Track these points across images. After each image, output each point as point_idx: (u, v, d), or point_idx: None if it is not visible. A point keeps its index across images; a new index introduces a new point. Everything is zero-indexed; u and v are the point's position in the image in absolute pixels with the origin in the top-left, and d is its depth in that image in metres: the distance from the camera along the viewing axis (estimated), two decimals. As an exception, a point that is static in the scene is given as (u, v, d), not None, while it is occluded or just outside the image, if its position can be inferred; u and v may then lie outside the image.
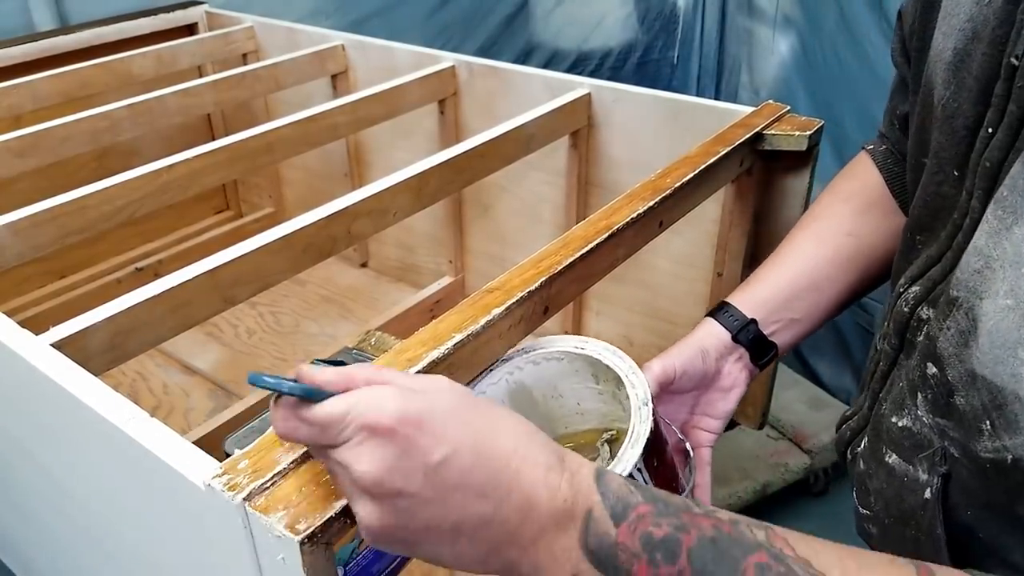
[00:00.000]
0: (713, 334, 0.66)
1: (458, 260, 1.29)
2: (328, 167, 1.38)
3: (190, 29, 1.44)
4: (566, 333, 1.21)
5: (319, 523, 0.40)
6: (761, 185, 0.91)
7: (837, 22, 1.86)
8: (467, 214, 1.26)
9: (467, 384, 0.57)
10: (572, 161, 1.08)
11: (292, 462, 0.44)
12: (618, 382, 0.61)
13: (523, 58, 1.98)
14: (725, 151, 0.80)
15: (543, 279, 0.60)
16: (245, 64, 1.33)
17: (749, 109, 0.90)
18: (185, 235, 1.47)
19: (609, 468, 0.46)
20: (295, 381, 0.40)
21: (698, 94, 2.24)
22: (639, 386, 0.59)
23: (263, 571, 0.44)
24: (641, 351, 1.15)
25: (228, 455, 0.48)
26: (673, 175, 0.74)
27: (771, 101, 0.91)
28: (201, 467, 0.45)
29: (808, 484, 1.97)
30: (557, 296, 0.63)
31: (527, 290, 0.59)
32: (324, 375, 0.40)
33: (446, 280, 1.29)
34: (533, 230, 1.18)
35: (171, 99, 1.07)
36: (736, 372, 0.66)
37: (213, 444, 0.69)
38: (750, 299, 0.67)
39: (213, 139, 1.07)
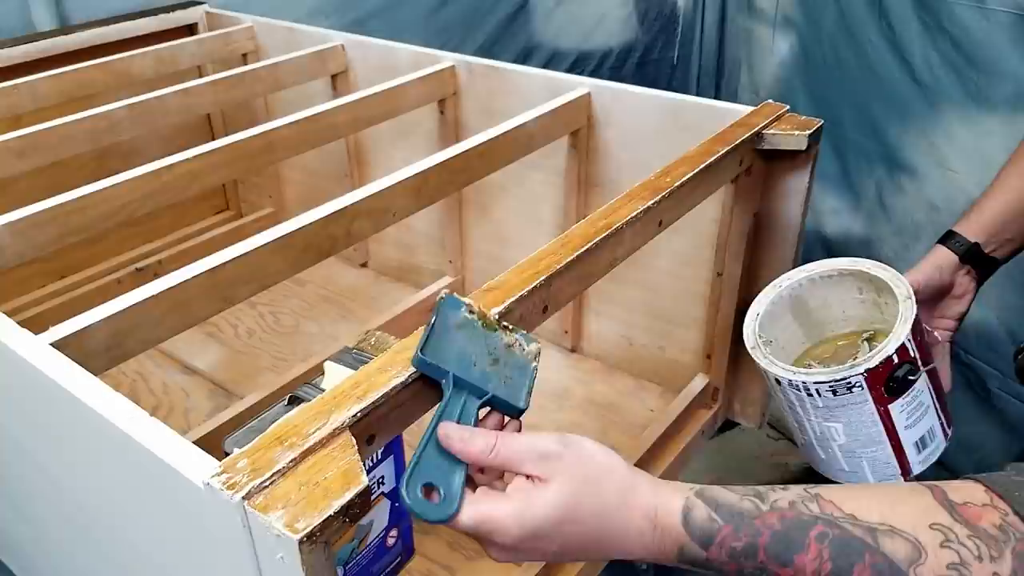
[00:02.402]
0: (944, 256, 0.83)
1: (458, 260, 1.29)
2: (328, 167, 1.38)
3: (190, 29, 1.44)
4: (565, 333, 1.22)
5: (318, 522, 0.40)
6: (761, 185, 0.91)
7: (837, 22, 1.86)
8: (467, 214, 1.26)
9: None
10: (572, 161, 1.08)
11: (291, 461, 0.44)
12: (879, 292, 0.81)
13: (523, 58, 1.98)
14: (725, 151, 0.80)
15: (542, 278, 0.60)
16: (245, 64, 1.33)
17: (749, 109, 0.90)
18: (185, 235, 1.47)
19: (886, 342, 0.74)
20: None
21: (698, 94, 2.24)
22: (903, 286, 0.78)
23: (262, 570, 0.44)
24: (641, 351, 1.16)
25: (228, 455, 0.48)
26: (673, 175, 0.75)
27: (771, 101, 0.91)
28: (200, 466, 0.45)
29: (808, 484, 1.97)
30: (556, 295, 0.63)
31: (526, 289, 0.59)
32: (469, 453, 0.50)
33: (446, 280, 1.30)
34: (533, 230, 1.18)
35: (171, 99, 1.07)
36: (966, 283, 0.84)
37: (213, 444, 0.69)
38: (972, 225, 0.84)
39: (213, 139, 1.07)
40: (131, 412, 0.50)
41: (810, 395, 0.77)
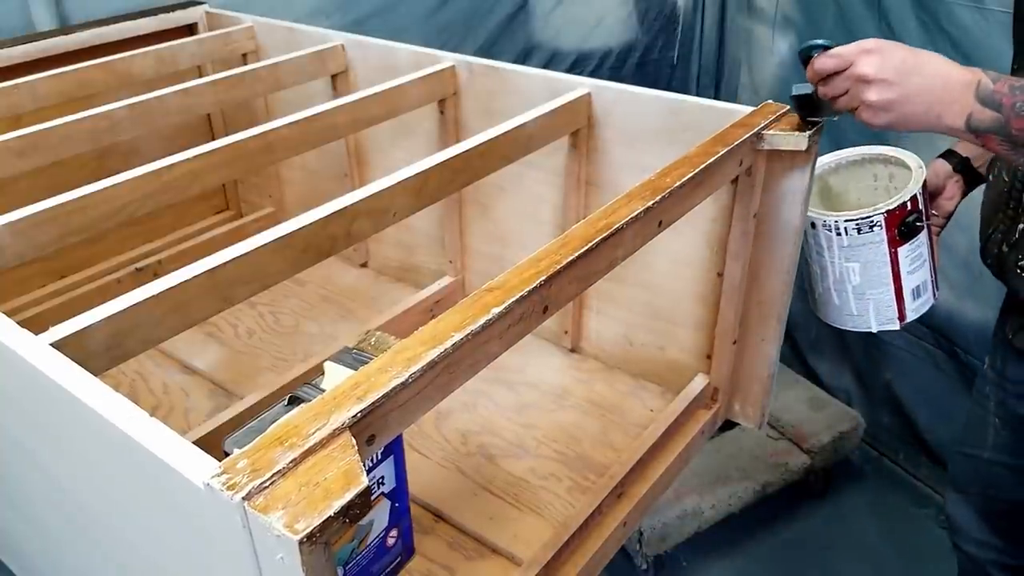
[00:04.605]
0: (941, 165, 1.08)
1: (458, 260, 1.29)
2: (328, 167, 1.38)
3: (190, 29, 1.44)
4: (565, 333, 1.22)
5: (318, 523, 0.40)
6: (761, 185, 0.91)
7: (836, 22, 1.86)
8: (467, 214, 1.26)
9: None
10: (572, 161, 1.08)
11: (291, 461, 0.44)
12: (891, 178, 1.03)
13: (523, 58, 1.98)
14: (725, 151, 0.80)
15: (542, 278, 0.60)
16: (245, 64, 1.33)
17: (749, 109, 0.90)
18: (185, 235, 1.47)
19: (903, 192, 0.94)
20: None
21: (698, 94, 2.24)
22: (915, 160, 0.99)
23: (262, 570, 0.44)
24: (641, 351, 1.16)
25: (227, 455, 0.48)
26: (672, 175, 0.75)
27: (771, 101, 0.91)
28: (200, 467, 0.45)
29: (808, 484, 1.97)
30: (556, 295, 0.63)
31: (526, 289, 0.59)
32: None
33: (446, 280, 1.30)
34: (533, 230, 1.18)
35: (171, 99, 1.07)
36: (955, 188, 1.07)
37: (213, 444, 0.69)
38: (967, 146, 1.06)
39: (213, 139, 1.07)
40: (131, 412, 0.50)
41: (838, 234, 0.94)
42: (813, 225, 0.96)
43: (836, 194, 1.07)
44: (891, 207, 0.92)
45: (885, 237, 0.93)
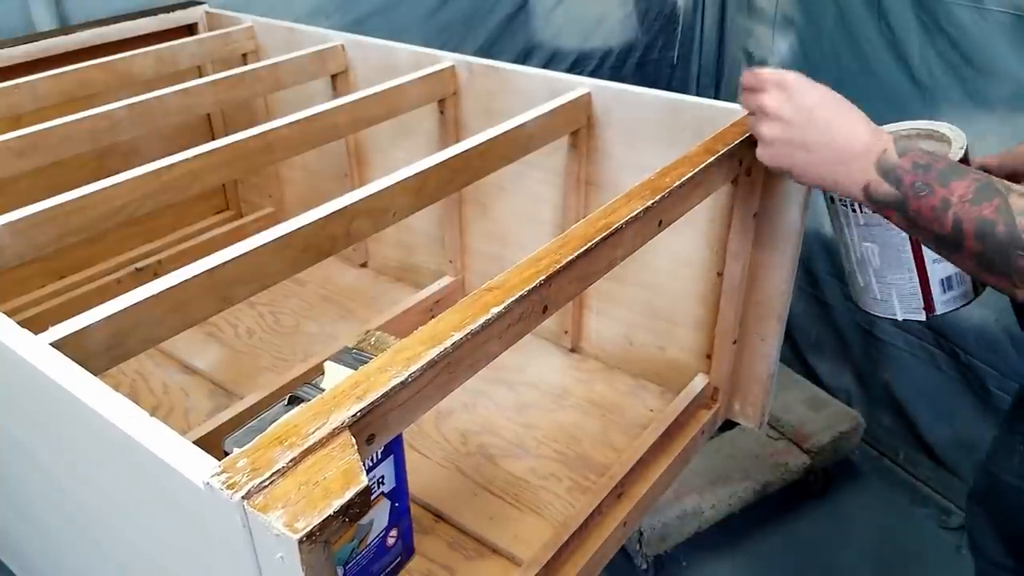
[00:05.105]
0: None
1: (458, 260, 1.29)
2: (328, 167, 1.38)
3: (190, 29, 1.44)
4: (565, 333, 1.22)
5: (318, 522, 0.40)
6: (761, 185, 0.91)
7: (836, 22, 1.86)
8: (467, 214, 1.26)
9: None
10: (572, 161, 1.08)
11: (291, 460, 0.44)
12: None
13: (523, 58, 1.98)
14: (725, 150, 0.80)
15: (542, 278, 0.60)
16: (245, 64, 1.33)
17: (748, 109, 0.90)
18: (185, 235, 1.47)
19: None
20: None
21: (698, 94, 2.23)
22: (960, 139, 0.88)
23: (262, 570, 0.44)
24: (641, 351, 1.16)
25: (227, 455, 0.48)
26: (672, 174, 0.75)
27: (770, 101, 0.91)
28: (200, 466, 0.45)
29: (808, 484, 1.97)
30: (556, 295, 0.63)
31: (526, 289, 0.59)
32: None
33: (446, 280, 1.30)
34: (533, 230, 1.18)
35: (171, 99, 1.07)
36: None
37: (213, 444, 0.69)
38: None
39: (213, 139, 1.07)
40: (131, 412, 0.50)
41: (854, 211, 0.88)
42: (832, 200, 0.91)
43: None
44: None
45: None
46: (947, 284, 0.90)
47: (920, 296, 0.90)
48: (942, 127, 0.94)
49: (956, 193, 0.67)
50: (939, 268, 0.88)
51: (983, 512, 1.22)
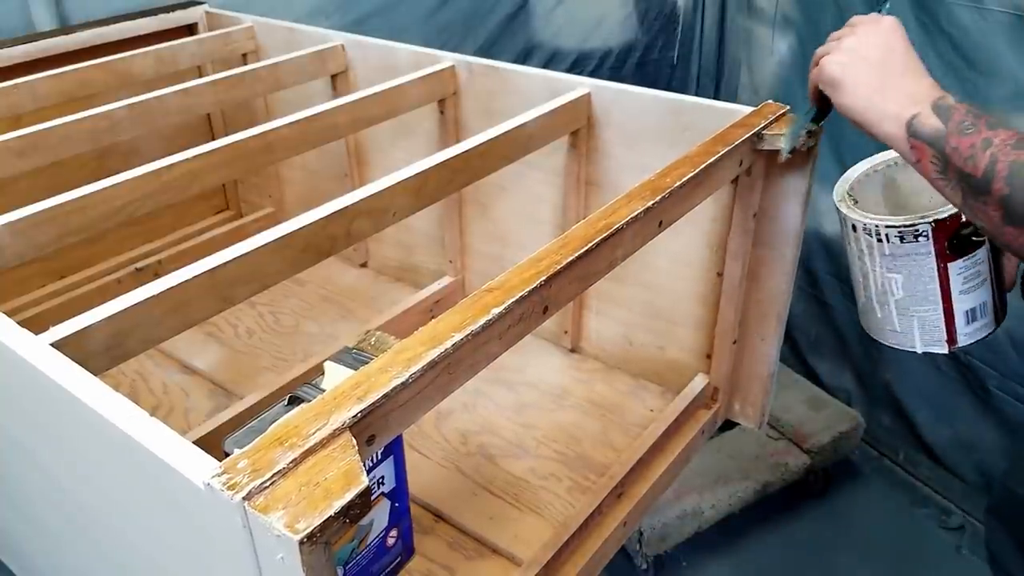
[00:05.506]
0: None
1: (458, 260, 1.29)
2: (328, 167, 1.38)
3: (190, 29, 1.44)
4: (565, 333, 1.22)
5: (318, 522, 0.40)
6: (761, 185, 0.91)
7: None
8: (467, 214, 1.26)
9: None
10: (572, 161, 1.08)
11: (291, 461, 0.44)
12: None
13: (523, 58, 1.98)
14: (725, 151, 0.80)
15: (542, 279, 0.60)
16: (245, 64, 1.33)
17: (749, 109, 0.90)
18: (185, 235, 1.47)
19: None
20: None
21: (698, 94, 2.23)
22: None
23: (262, 570, 0.44)
24: (641, 351, 1.16)
25: (228, 455, 0.48)
26: (672, 175, 0.75)
27: (771, 101, 0.91)
28: (200, 467, 0.45)
29: (808, 484, 1.97)
30: (556, 295, 0.63)
31: (526, 289, 0.59)
32: None
33: (446, 280, 1.30)
34: (533, 230, 1.18)
35: (171, 99, 1.07)
36: None
37: (213, 444, 0.69)
38: None
39: (213, 139, 1.07)
40: (131, 412, 0.50)
41: (879, 240, 0.84)
42: (854, 228, 0.87)
43: (906, 193, 0.94)
44: (940, 216, 0.81)
45: (933, 250, 0.83)
46: (972, 315, 0.86)
47: (943, 328, 0.86)
48: None
49: (999, 137, 0.67)
50: (965, 299, 0.85)
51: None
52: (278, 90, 1.21)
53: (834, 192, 0.91)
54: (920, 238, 0.82)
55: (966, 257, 0.83)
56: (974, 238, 0.82)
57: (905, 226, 0.83)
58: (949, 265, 0.83)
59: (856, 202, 0.90)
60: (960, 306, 0.85)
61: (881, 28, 0.76)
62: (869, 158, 0.94)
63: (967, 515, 1.92)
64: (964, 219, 0.80)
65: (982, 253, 0.84)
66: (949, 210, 0.81)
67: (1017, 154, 0.66)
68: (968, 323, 0.86)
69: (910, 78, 0.74)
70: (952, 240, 0.82)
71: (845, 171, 0.95)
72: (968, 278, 0.84)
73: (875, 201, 0.92)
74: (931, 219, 0.81)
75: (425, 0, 1.79)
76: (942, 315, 0.85)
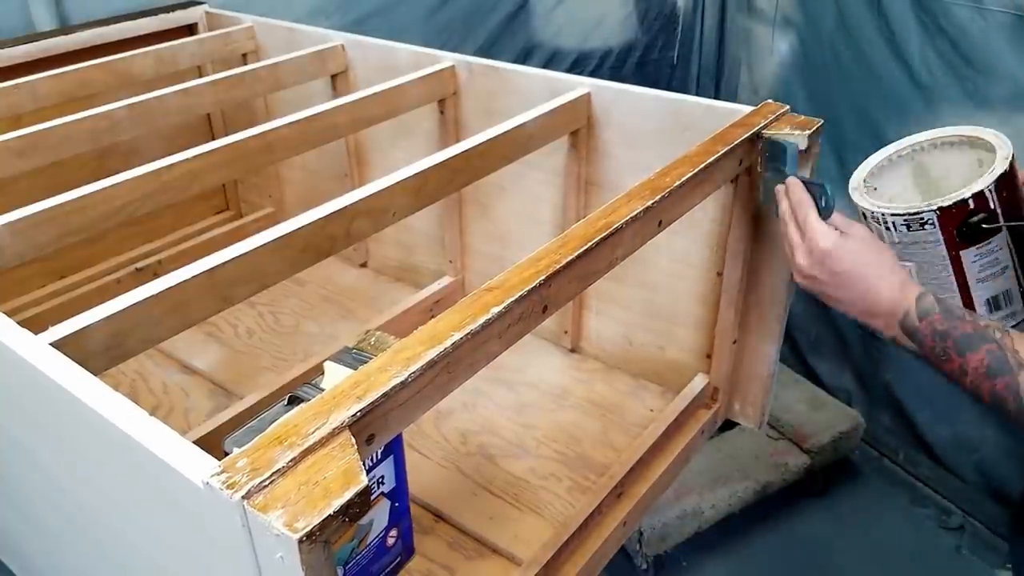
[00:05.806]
0: None
1: (458, 260, 1.29)
2: (328, 167, 1.38)
3: (190, 29, 1.44)
4: (565, 333, 1.22)
5: (318, 521, 0.40)
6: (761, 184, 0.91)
7: (836, 22, 1.86)
8: (467, 214, 1.26)
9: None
10: (571, 161, 1.08)
11: (290, 460, 0.44)
12: (980, 160, 0.87)
13: (523, 58, 1.98)
14: (724, 150, 0.80)
15: (542, 278, 0.60)
16: (245, 64, 1.33)
17: (748, 109, 0.90)
18: (185, 235, 1.47)
19: (967, 187, 0.80)
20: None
21: (698, 94, 2.24)
22: (1005, 147, 0.83)
23: (262, 569, 0.44)
24: (641, 351, 1.16)
25: (227, 455, 0.48)
26: (672, 174, 0.75)
27: (770, 101, 0.91)
28: (200, 466, 0.45)
29: (808, 484, 1.97)
30: (556, 295, 0.63)
31: (526, 289, 0.59)
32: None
33: (446, 280, 1.30)
34: (533, 230, 1.18)
35: (171, 99, 1.07)
36: None
37: (213, 444, 0.69)
38: None
39: (213, 139, 1.07)
40: (131, 412, 0.50)
41: (888, 229, 0.84)
42: (864, 216, 0.86)
43: (935, 178, 0.91)
44: (945, 204, 0.80)
45: (941, 237, 0.82)
46: (994, 304, 0.85)
47: None
48: (986, 134, 0.88)
49: (971, 365, 0.72)
50: (985, 287, 0.83)
51: None
52: (278, 90, 1.21)
53: (851, 179, 0.90)
54: (927, 226, 0.81)
55: (979, 245, 0.82)
56: (984, 226, 0.81)
57: (910, 214, 0.82)
58: (962, 253, 0.82)
59: (875, 189, 0.88)
60: (980, 294, 0.84)
61: (826, 262, 0.77)
62: (893, 143, 0.92)
63: (967, 515, 1.92)
64: (972, 206, 0.80)
65: (1000, 240, 0.82)
66: (954, 197, 0.80)
67: (991, 384, 0.72)
68: (992, 311, 0.85)
69: (872, 302, 0.76)
70: (961, 228, 0.81)
71: (845, 171, 0.94)
72: (984, 266, 0.83)
73: (902, 186, 0.91)
74: (935, 207, 0.80)
75: (425, 0, 1.79)
76: (961, 304, 0.84)
